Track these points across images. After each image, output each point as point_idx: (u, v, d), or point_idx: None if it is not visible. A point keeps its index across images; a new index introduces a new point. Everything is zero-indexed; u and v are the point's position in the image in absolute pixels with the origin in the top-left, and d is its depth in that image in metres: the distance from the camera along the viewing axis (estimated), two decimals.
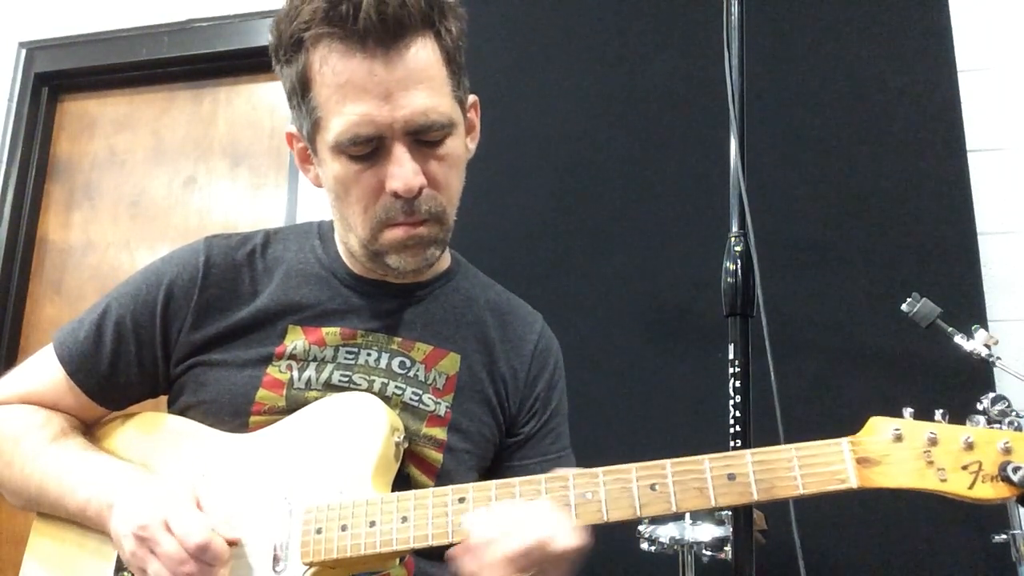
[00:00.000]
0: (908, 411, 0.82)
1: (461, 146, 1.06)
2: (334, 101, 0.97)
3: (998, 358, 1.41)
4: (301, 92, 1.00)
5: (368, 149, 0.98)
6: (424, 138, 0.99)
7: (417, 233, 1.02)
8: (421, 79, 0.97)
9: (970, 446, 0.79)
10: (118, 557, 1.00)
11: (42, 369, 1.11)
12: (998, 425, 0.81)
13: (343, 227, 1.08)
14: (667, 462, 0.85)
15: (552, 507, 0.86)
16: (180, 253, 1.13)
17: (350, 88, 0.95)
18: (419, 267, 1.06)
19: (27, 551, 1.08)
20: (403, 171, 0.97)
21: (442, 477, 1.05)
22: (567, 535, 0.84)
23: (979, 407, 1.21)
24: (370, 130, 0.96)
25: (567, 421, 1.21)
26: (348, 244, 1.10)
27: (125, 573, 0.99)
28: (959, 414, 0.83)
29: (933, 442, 0.80)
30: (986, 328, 1.44)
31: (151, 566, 0.90)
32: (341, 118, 0.96)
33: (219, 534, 0.91)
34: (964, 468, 0.78)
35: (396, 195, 0.99)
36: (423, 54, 0.97)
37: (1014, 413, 1.21)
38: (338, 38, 0.95)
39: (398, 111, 0.96)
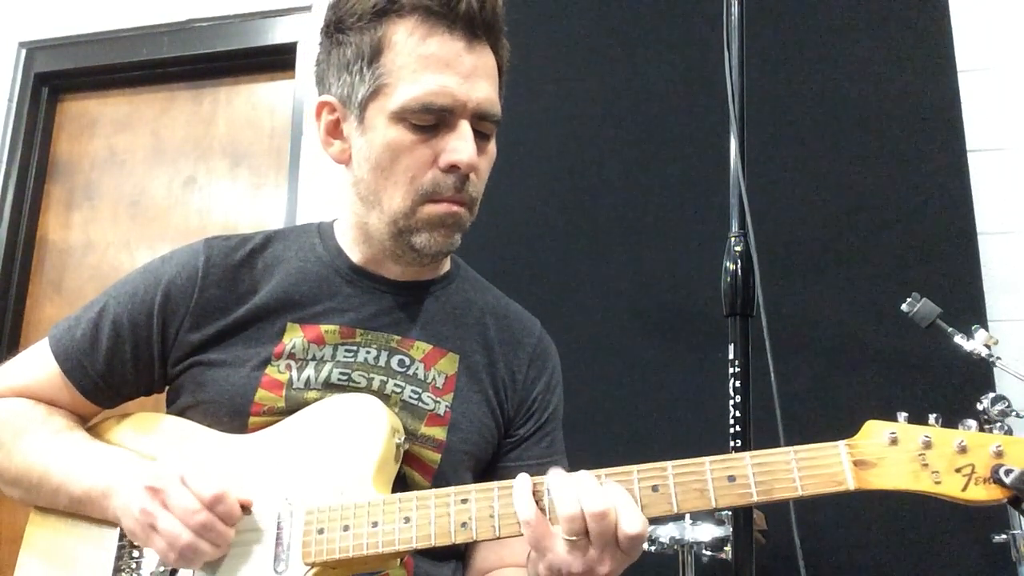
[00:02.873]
0: (903, 415, 0.84)
1: (495, 150, 1.10)
2: (410, 69, 1.00)
3: (998, 358, 1.41)
4: (369, 58, 1.03)
5: (432, 121, 1.01)
6: (481, 127, 1.04)
7: (458, 211, 1.05)
8: (490, 75, 1.05)
9: (963, 449, 0.80)
10: (118, 549, 1.00)
11: (37, 365, 1.11)
12: (994, 426, 0.81)
13: (368, 205, 1.08)
14: (668, 463, 0.86)
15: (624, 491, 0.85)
16: (179, 253, 1.13)
17: (434, 60, 1.00)
18: (442, 250, 1.07)
19: (23, 546, 1.07)
20: (468, 146, 1.01)
21: (438, 478, 1.05)
22: (634, 516, 0.83)
23: (979, 407, 1.21)
24: (445, 101, 1.00)
25: (562, 427, 1.21)
26: (368, 225, 1.09)
27: (123, 573, 0.99)
28: (953, 417, 0.84)
29: (927, 445, 0.81)
30: (986, 328, 1.44)
31: (161, 520, 0.91)
32: (416, 85, 1.00)
33: (231, 494, 0.93)
34: (958, 471, 0.80)
35: (452, 168, 1.02)
36: (491, 59, 1.06)
37: (1014, 413, 1.21)
38: (432, 13, 1.01)
39: (474, 92, 1.02)
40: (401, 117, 1.01)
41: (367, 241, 1.11)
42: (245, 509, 0.95)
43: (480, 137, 1.05)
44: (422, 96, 1.00)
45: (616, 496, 0.84)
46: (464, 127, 1.02)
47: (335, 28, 1.07)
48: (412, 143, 1.02)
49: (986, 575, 1.76)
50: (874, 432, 0.83)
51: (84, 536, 1.03)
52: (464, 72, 1.01)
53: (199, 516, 0.90)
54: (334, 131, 1.10)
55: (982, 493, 0.79)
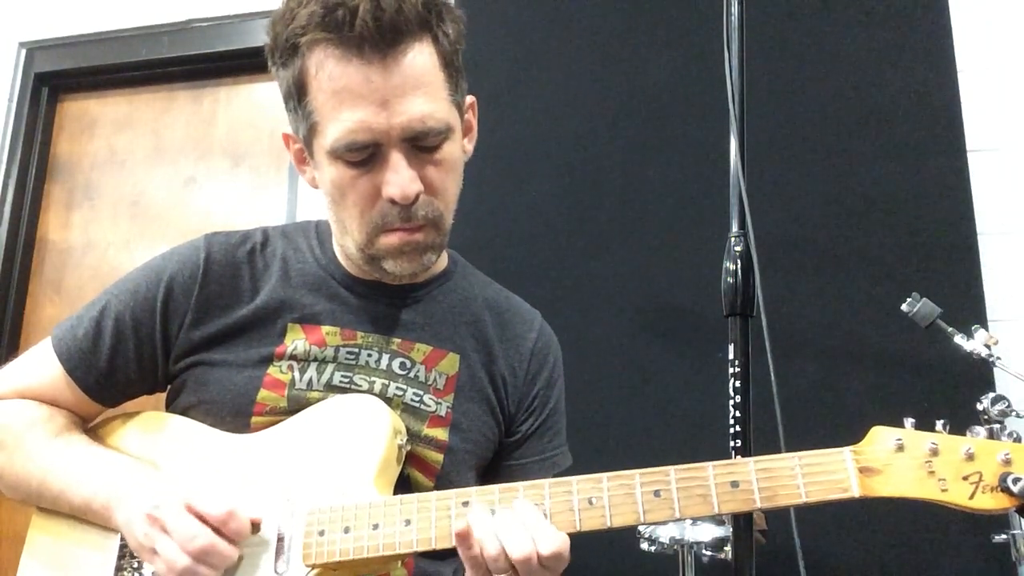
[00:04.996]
0: (909, 421, 0.83)
1: (458, 150, 1.06)
2: (330, 107, 0.97)
3: (998, 358, 1.41)
4: (297, 96, 1.00)
5: (364, 155, 0.98)
6: (421, 144, 0.99)
7: (414, 239, 1.02)
8: (418, 85, 0.97)
9: (971, 457, 0.80)
10: (120, 550, 1.00)
11: (40, 365, 1.11)
12: (998, 426, 0.81)
13: (340, 230, 1.08)
14: (671, 468, 0.86)
15: (544, 520, 0.86)
16: (180, 250, 1.13)
17: (346, 94, 0.95)
18: (416, 272, 1.07)
19: (26, 548, 1.08)
20: (399, 178, 0.97)
21: (442, 478, 1.06)
22: (557, 551, 0.84)
23: (979, 407, 1.21)
24: (367, 137, 0.96)
25: (565, 418, 1.21)
26: (345, 247, 1.10)
27: (126, 573, 0.99)
28: (959, 420, 0.83)
29: (934, 452, 0.80)
30: (986, 328, 1.44)
31: (160, 544, 0.90)
32: (338, 124, 0.96)
33: (241, 511, 0.92)
34: (965, 478, 0.79)
35: (392, 201, 0.99)
36: (420, 60, 0.97)
37: (1014, 413, 1.21)
38: (334, 44, 0.95)
39: (394, 118, 0.96)
40: (335, 156, 0.98)
41: (350, 258, 1.11)
42: (255, 526, 0.95)
43: (424, 151, 1.00)
44: (343, 136, 0.96)
45: (506, 524, 0.84)
46: (394, 158, 0.97)
47: (269, 61, 1.03)
48: (352, 179, 0.99)
49: (986, 575, 1.76)
50: (880, 438, 0.82)
51: (86, 538, 1.03)
52: (380, 99, 0.94)
53: (197, 542, 0.89)
54: (303, 159, 1.09)
55: (989, 501, 0.78)
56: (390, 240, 1.02)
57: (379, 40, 0.94)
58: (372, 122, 0.95)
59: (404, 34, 0.95)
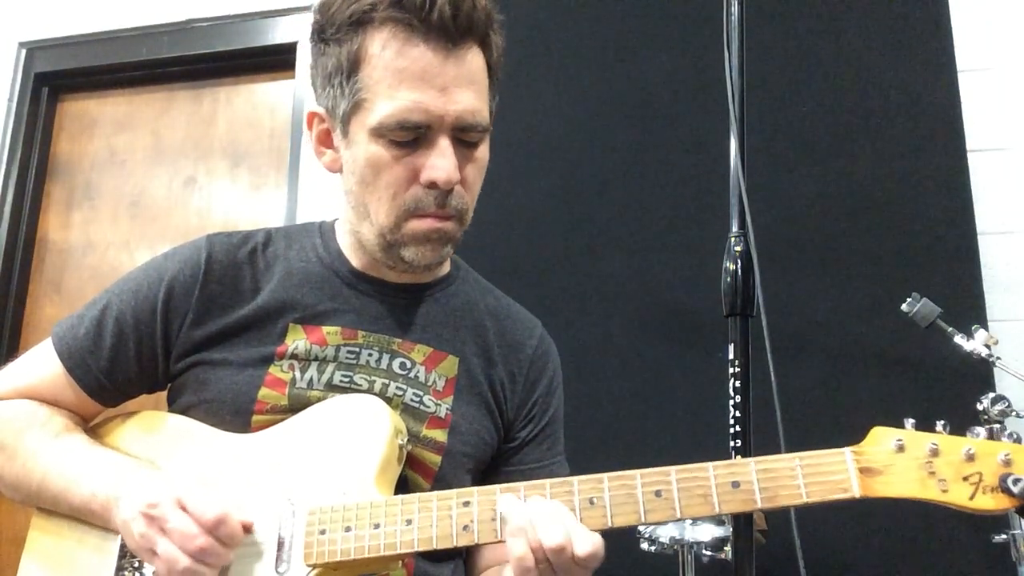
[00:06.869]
0: (910, 422, 0.83)
1: (487, 154, 1.08)
2: (387, 84, 0.98)
3: (998, 358, 1.41)
4: (348, 71, 1.01)
5: (411, 136, 1.00)
6: (465, 137, 1.02)
7: (442, 227, 1.04)
8: (473, 81, 1.01)
9: (971, 457, 0.80)
10: (120, 552, 1.00)
11: (41, 364, 1.11)
12: (998, 425, 0.81)
13: (359, 215, 1.08)
14: (672, 469, 0.86)
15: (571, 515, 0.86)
16: (182, 250, 1.13)
17: (408, 74, 0.98)
18: (432, 263, 1.07)
19: (26, 549, 1.08)
20: (446, 163, 1.00)
21: (439, 480, 1.06)
22: (587, 541, 0.84)
23: (979, 407, 1.21)
24: (420, 118, 0.98)
25: (563, 428, 1.21)
26: (360, 234, 1.09)
27: (126, 573, 0.99)
28: (959, 420, 0.83)
29: (935, 453, 0.81)
30: (986, 328, 1.44)
31: (160, 545, 0.90)
32: (392, 102, 0.98)
33: (232, 516, 0.92)
34: (965, 479, 0.79)
35: (432, 185, 1.00)
36: (477, 61, 1.02)
37: (1014, 413, 1.21)
38: (405, 25, 0.98)
39: (451, 105, 0.99)
40: (380, 134, 1.00)
41: (362, 248, 1.11)
42: (247, 529, 0.94)
43: (465, 146, 1.03)
44: (397, 113, 0.98)
45: (567, 526, 0.84)
46: (443, 143, 1.00)
47: (318, 36, 1.05)
48: (392, 159, 1.00)
49: (986, 575, 1.76)
50: (881, 439, 0.83)
51: (86, 539, 1.03)
52: (440, 84, 0.98)
53: (197, 541, 0.89)
54: (325, 141, 1.09)
55: (989, 502, 0.78)
56: (420, 225, 1.03)
57: (452, 31, 0.98)
58: (430, 105, 0.98)
59: (472, 33, 1.00)
